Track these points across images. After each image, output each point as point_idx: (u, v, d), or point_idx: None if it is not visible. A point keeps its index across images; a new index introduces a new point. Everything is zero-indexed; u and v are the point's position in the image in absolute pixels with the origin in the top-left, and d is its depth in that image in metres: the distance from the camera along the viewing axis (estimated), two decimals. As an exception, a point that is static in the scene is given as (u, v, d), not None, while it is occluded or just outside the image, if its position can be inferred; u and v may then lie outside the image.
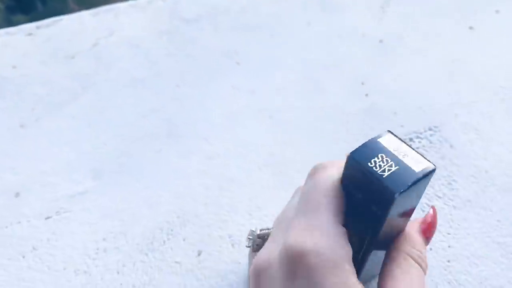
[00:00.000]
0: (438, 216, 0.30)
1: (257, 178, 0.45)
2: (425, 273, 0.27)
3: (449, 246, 0.38)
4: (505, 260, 0.36)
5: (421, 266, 0.27)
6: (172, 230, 0.42)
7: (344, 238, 0.24)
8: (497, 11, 0.56)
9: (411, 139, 0.45)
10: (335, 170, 0.27)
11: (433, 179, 0.42)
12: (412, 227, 0.28)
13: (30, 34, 0.63)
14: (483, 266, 0.37)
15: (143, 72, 0.56)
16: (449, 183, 0.41)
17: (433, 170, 0.23)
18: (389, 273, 0.26)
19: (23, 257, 0.42)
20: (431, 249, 0.38)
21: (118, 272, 0.40)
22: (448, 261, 0.37)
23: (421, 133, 0.45)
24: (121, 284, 0.39)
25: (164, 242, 0.41)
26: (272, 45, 0.57)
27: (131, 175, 0.46)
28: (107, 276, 0.40)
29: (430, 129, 0.45)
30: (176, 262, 0.40)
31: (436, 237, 0.38)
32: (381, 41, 0.55)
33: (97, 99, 0.54)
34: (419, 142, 0.45)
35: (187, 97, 0.53)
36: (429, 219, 0.29)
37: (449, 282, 0.36)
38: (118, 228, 0.43)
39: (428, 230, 0.29)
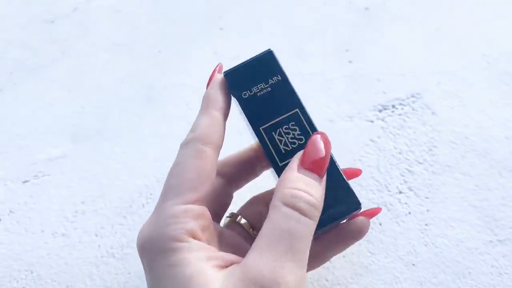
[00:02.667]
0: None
1: (237, 142, 0.44)
2: (307, 214, 0.24)
3: (427, 210, 0.38)
4: (481, 222, 0.37)
5: (295, 207, 0.24)
6: (151, 194, 0.42)
7: (184, 216, 0.24)
8: (483, -20, 0.55)
9: (393, 106, 0.45)
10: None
11: (414, 144, 0.42)
12: (289, 165, 0.26)
13: (7, -3, 0.61)
14: (459, 229, 0.37)
15: (124, 38, 0.55)
16: (430, 149, 0.41)
17: (268, 52, 0.29)
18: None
19: (0, 219, 0.41)
20: (409, 213, 0.38)
21: (96, 235, 0.40)
22: (426, 225, 0.37)
23: (403, 100, 0.45)
24: (99, 246, 0.39)
25: (143, 205, 0.41)
26: (256, 10, 0.56)
27: (110, 140, 0.46)
28: (85, 238, 0.40)
29: (412, 96, 0.45)
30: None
31: (414, 201, 0.39)
32: (366, 8, 0.54)
33: (76, 64, 0.53)
34: (402, 109, 0.44)
35: (168, 62, 0.52)
36: (310, 152, 0.26)
37: (426, 245, 0.36)
38: (97, 191, 0.42)
39: (313, 164, 0.25)
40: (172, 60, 0.52)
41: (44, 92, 0.51)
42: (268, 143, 0.28)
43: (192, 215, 0.25)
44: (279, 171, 0.27)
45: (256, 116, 0.28)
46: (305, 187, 0.25)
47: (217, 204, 0.32)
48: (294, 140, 0.28)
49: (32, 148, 0.46)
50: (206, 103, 0.28)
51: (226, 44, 0.53)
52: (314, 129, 0.28)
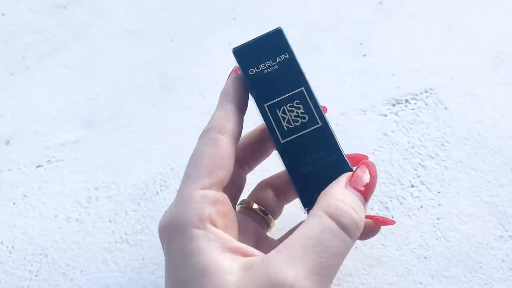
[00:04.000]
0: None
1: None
2: (348, 231, 0.24)
3: (439, 205, 0.39)
4: (492, 218, 0.37)
5: (337, 221, 0.24)
6: (165, 182, 0.42)
7: (201, 201, 0.25)
8: (498, -22, 0.56)
9: (407, 100, 0.45)
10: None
11: (427, 139, 0.42)
12: (337, 181, 0.26)
13: (19, -18, 0.61)
14: (471, 223, 0.37)
15: (138, 25, 0.55)
16: (442, 144, 0.42)
17: (277, 30, 0.29)
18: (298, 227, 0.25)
19: (14, 203, 0.42)
20: (421, 206, 0.39)
21: (110, 221, 0.40)
22: (438, 219, 0.38)
23: (417, 95, 0.45)
24: (113, 231, 0.39)
25: (157, 192, 0.41)
26: (270, 1, 0.56)
27: (124, 126, 0.46)
28: (99, 224, 0.40)
29: (426, 91, 0.45)
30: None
31: (427, 195, 0.39)
32: (380, 2, 0.54)
33: (90, 50, 0.53)
34: (415, 103, 0.45)
35: (182, 51, 0.52)
36: (360, 175, 0.26)
37: (437, 239, 0.37)
38: (111, 178, 0.43)
39: (358, 183, 0.26)
40: (185, 49, 0.52)
41: (57, 78, 0.51)
42: (272, 120, 0.28)
43: (209, 201, 0.25)
44: (280, 148, 0.28)
45: (261, 93, 0.28)
46: (352, 204, 0.25)
47: (233, 188, 0.32)
48: (297, 118, 0.28)
49: (45, 133, 0.46)
50: (221, 97, 0.29)
51: (240, 34, 0.53)
52: (318, 109, 0.28)
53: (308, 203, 0.27)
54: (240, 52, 0.29)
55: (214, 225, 0.25)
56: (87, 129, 0.46)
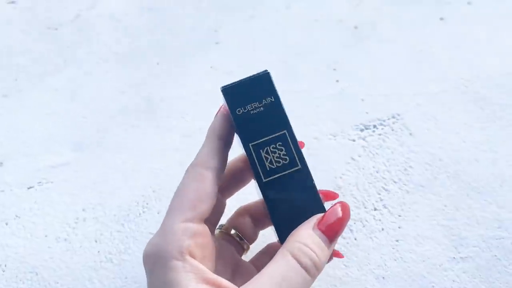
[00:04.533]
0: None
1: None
2: (308, 270, 0.27)
3: (399, 227, 0.42)
4: (447, 241, 0.41)
5: (300, 262, 0.27)
6: (147, 204, 0.45)
7: (182, 234, 0.28)
8: (469, 3, 0.58)
9: (374, 126, 0.48)
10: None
11: (391, 164, 0.45)
12: (306, 222, 0.29)
13: (12, 2, 0.64)
14: (427, 245, 0.41)
15: (124, 47, 0.58)
16: (405, 169, 0.45)
17: (265, 73, 0.31)
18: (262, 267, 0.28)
19: (6, 223, 0.45)
20: (382, 229, 0.42)
21: (96, 241, 0.43)
22: (397, 241, 0.41)
23: (384, 121, 0.48)
24: (98, 251, 0.43)
25: (139, 214, 0.44)
26: (252, 26, 0.58)
27: (110, 149, 0.49)
28: (85, 244, 0.43)
29: (393, 117, 0.48)
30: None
31: (388, 218, 0.42)
32: (356, 27, 0.57)
33: (79, 72, 0.56)
34: (382, 129, 0.48)
35: (166, 74, 0.55)
36: (329, 217, 0.29)
37: (395, 260, 0.40)
38: (97, 199, 0.46)
39: (327, 228, 0.29)
40: (169, 72, 0.55)
41: (48, 100, 0.54)
42: (255, 159, 0.30)
43: (190, 233, 0.28)
44: (262, 186, 0.30)
45: (247, 133, 0.30)
46: (313, 246, 0.28)
47: (214, 214, 0.35)
48: (279, 160, 0.31)
49: (36, 155, 0.49)
50: (208, 134, 0.32)
51: (222, 58, 0.56)
52: (298, 151, 0.30)
53: (283, 239, 0.30)
54: (229, 92, 0.31)
55: (193, 256, 0.28)
56: (76, 152, 0.49)
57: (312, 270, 0.27)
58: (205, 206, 0.29)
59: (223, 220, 0.37)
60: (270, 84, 0.31)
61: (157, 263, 0.28)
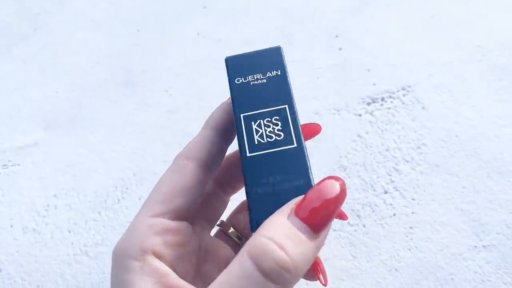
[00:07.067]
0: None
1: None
2: (271, 277, 0.19)
3: (412, 213, 0.37)
4: (467, 227, 0.36)
5: (259, 265, 0.19)
6: (127, 189, 0.40)
7: (146, 231, 0.24)
8: (482, -37, 0.53)
9: (383, 99, 0.43)
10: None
11: (402, 141, 0.40)
12: (281, 208, 0.21)
13: (-26, -36, 0.57)
14: (444, 233, 0.36)
15: (101, 14, 0.52)
16: (418, 147, 0.40)
17: (277, 47, 0.28)
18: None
19: (-33, 212, 0.39)
20: (394, 214, 0.37)
21: (69, 231, 0.38)
22: (411, 228, 0.36)
23: (393, 93, 0.43)
24: (72, 243, 0.37)
25: (118, 200, 0.39)
26: (243, -11, 0.52)
27: (85, 127, 0.43)
28: (57, 235, 0.38)
29: (403, 89, 0.43)
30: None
31: (400, 202, 0.37)
32: (359, -10, 0.51)
33: (49, 42, 0.50)
34: (391, 102, 0.43)
35: (148, 43, 0.49)
36: (311, 199, 0.21)
37: (409, 249, 0.36)
38: (70, 184, 0.40)
39: (310, 214, 0.20)
40: (152, 40, 0.49)
41: (15, 73, 0.47)
42: (244, 131, 0.26)
43: (157, 230, 0.24)
44: (245, 161, 0.25)
45: (241, 102, 0.27)
46: (283, 241, 0.19)
47: (210, 212, 0.31)
48: (272, 135, 0.26)
49: (1, 134, 0.43)
50: (204, 123, 0.28)
51: (209, 24, 0.50)
52: (297, 130, 0.26)
53: (256, 227, 0.24)
54: (232, 61, 0.28)
55: (159, 256, 0.24)
56: (45, 130, 0.43)
57: (280, 277, 0.19)
58: (183, 200, 0.25)
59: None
60: (279, 58, 0.28)
61: (117, 262, 0.24)
